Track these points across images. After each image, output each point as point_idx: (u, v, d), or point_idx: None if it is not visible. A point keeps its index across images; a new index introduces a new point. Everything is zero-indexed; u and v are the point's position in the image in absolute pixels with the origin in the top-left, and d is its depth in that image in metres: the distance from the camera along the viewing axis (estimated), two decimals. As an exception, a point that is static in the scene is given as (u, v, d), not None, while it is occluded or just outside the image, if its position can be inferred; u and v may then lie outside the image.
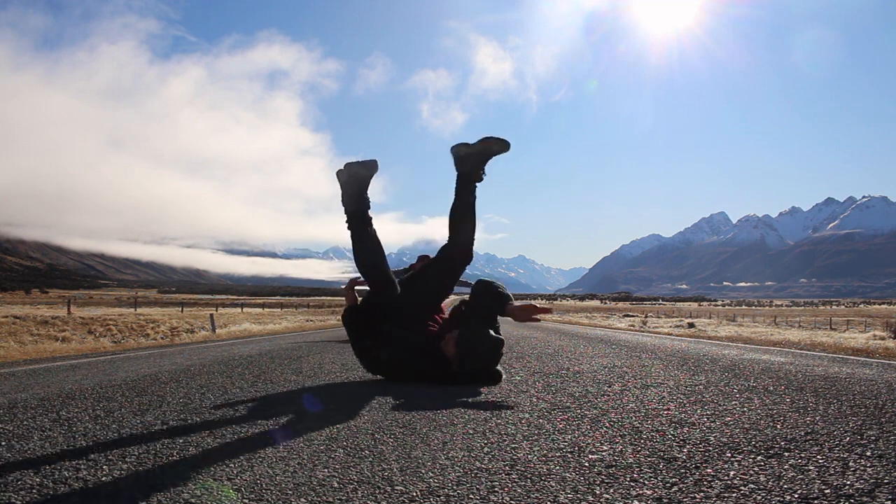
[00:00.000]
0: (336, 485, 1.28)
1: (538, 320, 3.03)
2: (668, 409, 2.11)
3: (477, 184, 3.26)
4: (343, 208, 3.27)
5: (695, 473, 1.34)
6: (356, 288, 3.66)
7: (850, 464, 1.40)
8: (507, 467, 1.40)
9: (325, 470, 1.39)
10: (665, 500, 1.17)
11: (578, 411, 2.09)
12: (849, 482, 1.27)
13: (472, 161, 3.22)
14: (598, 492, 1.23)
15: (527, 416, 2.01)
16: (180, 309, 37.49)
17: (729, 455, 1.49)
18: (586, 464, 1.42)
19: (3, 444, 1.68)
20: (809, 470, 1.36)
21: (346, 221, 3.26)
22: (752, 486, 1.25)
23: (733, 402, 2.26)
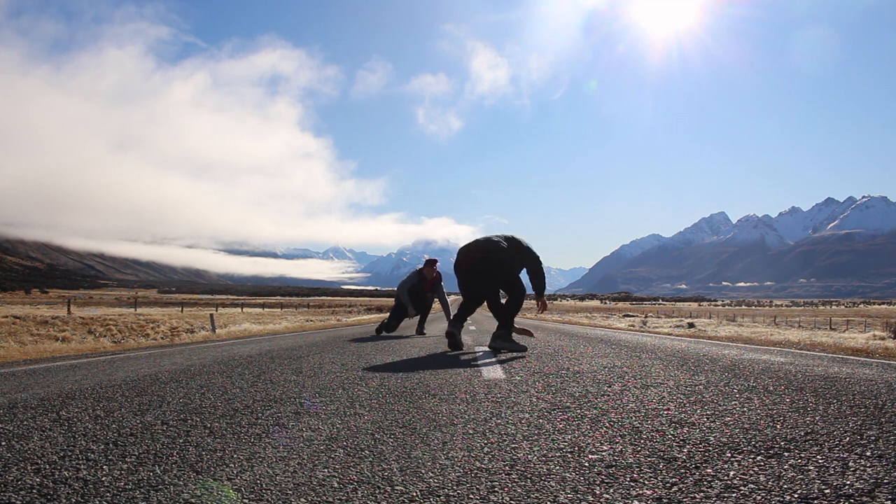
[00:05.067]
0: (336, 485, 1.28)
1: None
2: (668, 409, 2.11)
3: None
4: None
5: (695, 473, 1.34)
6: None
7: (850, 464, 1.40)
8: (507, 467, 1.40)
9: (325, 470, 1.39)
10: (665, 500, 1.18)
11: (578, 411, 2.09)
12: (849, 482, 1.27)
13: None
14: (598, 492, 1.23)
15: (527, 416, 2.01)
16: (180, 309, 37.49)
17: (729, 455, 1.49)
18: (586, 464, 1.42)
19: (3, 444, 1.68)
20: (809, 470, 1.36)
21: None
22: (752, 486, 1.25)
23: (733, 402, 2.26)
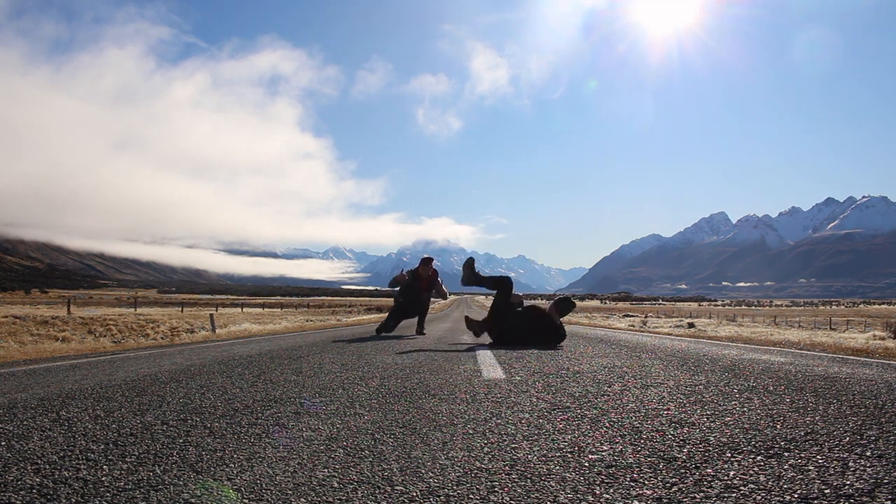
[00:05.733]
0: (336, 485, 1.28)
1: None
2: (668, 409, 2.11)
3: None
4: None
5: (695, 473, 1.34)
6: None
7: (850, 464, 1.40)
8: (507, 467, 1.40)
9: (325, 470, 1.39)
10: (665, 500, 1.18)
11: (578, 411, 2.09)
12: (849, 482, 1.27)
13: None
14: (598, 492, 1.23)
15: (527, 416, 2.01)
16: (180, 309, 37.52)
17: (729, 455, 1.49)
18: (586, 464, 1.42)
19: (3, 444, 1.68)
20: (809, 470, 1.36)
21: None
22: (752, 486, 1.25)
23: (733, 402, 2.26)
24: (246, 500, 1.19)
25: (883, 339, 9.92)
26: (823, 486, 1.24)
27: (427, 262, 8.20)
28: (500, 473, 1.35)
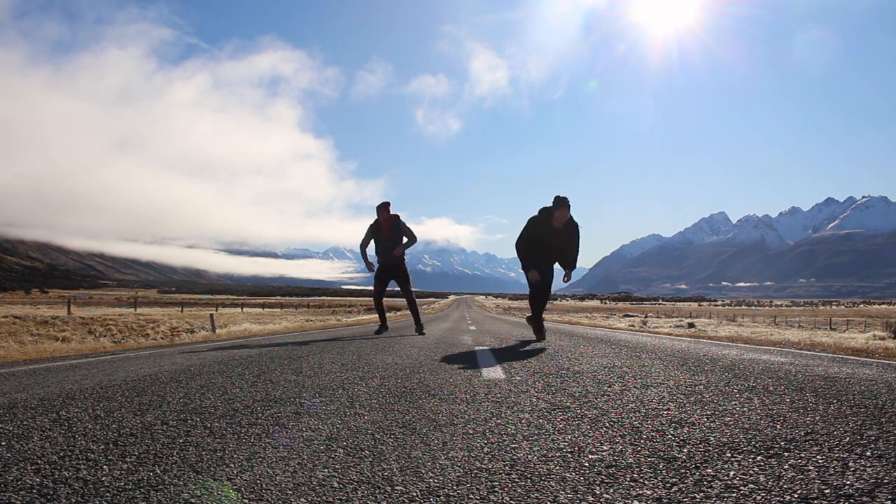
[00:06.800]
0: (336, 485, 1.28)
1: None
2: (668, 409, 2.11)
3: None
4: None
5: (695, 473, 1.34)
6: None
7: (850, 464, 1.40)
8: (507, 467, 1.40)
9: (325, 470, 1.39)
10: (665, 500, 1.18)
11: (578, 411, 2.09)
12: (849, 482, 1.27)
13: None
14: (598, 492, 1.23)
15: (527, 416, 2.01)
16: (180, 309, 37.52)
17: (729, 455, 1.49)
18: (586, 464, 1.42)
19: (3, 444, 1.68)
20: (809, 470, 1.36)
21: None
22: (752, 486, 1.25)
23: (733, 402, 2.26)
24: (246, 500, 1.19)
25: (883, 339, 9.92)
26: (823, 486, 1.24)
27: (384, 206, 7.77)
28: (500, 473, 1.35)
